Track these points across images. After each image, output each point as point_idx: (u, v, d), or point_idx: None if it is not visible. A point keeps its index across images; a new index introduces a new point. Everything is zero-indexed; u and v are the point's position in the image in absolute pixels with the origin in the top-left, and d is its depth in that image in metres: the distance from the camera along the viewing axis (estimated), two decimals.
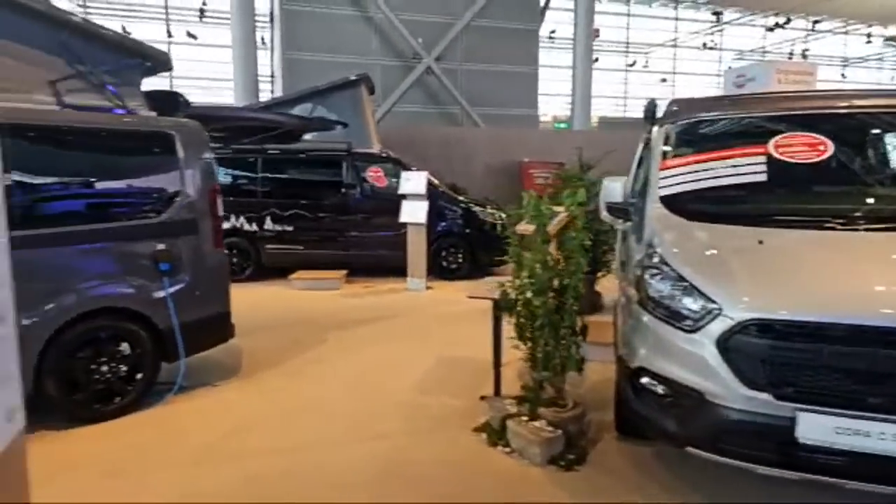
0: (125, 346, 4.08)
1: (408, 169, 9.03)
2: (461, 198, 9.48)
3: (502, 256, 9.19)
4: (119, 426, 3.91)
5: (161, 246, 4.16)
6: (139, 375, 4.12)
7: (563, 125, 27.27)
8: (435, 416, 4.09)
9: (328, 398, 4.43)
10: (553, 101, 25.70)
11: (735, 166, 3.50)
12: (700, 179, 3.53)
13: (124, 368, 4.06)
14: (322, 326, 6.43)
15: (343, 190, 9.14)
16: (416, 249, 8.39)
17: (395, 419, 4.03)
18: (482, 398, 4.21)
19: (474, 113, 15.47)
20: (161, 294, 4.16)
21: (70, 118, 3.86)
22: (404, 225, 8.53)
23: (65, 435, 3.75)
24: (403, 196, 8.58)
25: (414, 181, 8.49)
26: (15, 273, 3.86)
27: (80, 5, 19.15)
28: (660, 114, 4.43)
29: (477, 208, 9.33)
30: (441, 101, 15.57)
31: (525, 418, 3.48)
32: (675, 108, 4.12)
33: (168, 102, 4.48)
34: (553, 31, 24.00)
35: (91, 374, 3.92)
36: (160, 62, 4.41)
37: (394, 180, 9.10)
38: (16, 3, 3.77)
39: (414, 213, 8.38)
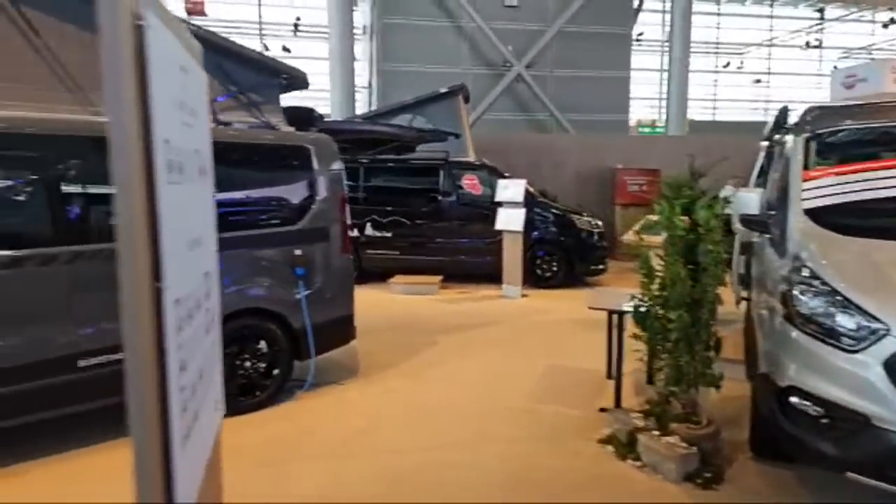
0: (263, 344, 4.40)
1: (503, 177, 9.13)
2: (557, 205, 9.46)
3: (598, 265, 9.17)
4: (259, 419, 4.21)
5: (298, 252, 4.45)
6: (275, 372, 4.42)
7: (647, 129, 26.46)
8: (552, 424, 4.13)
9: (446, 401, 4.57)
10: (636, 105, 25.02)
11: (889, 178, 3.33)
12: (849, 191, 3.38)
13: (263, 365, 4.37)
14: (428, 330, 6.62)
15: (439, 197, 9.36)
16: (512, 257, 8.45)
17: (514, 425, 4.10)
18: (602, 410, 4.20)
19: (564, 119, 15.36)
20: (296, 296, 4.45)
21: (227, 134, 4.22)
22: (498, 232, 8.62)
23: None
24: (499, 203, 8.69)
25: (512, 189, 8.57)
26: None
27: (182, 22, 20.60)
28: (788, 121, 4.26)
29: (573, 216, 9.28)
30: (530, 108, 15.57)
31: (657, 433, 3.45)
32: (812, 116, 3.95)
33: (303, 117, 4.80)
34: (641, 34, 23.39)
35: (236, 369, 4.25)
36: (298, 80, 4.74)
37: (488, 188, 9.26)
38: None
39: (510, 220, 8.45)
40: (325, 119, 5.65)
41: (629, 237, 6.11)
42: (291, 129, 4.67)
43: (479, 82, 13.40)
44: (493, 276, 8.83)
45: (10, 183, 3.65)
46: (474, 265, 9.30)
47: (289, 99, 4.96)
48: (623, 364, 4.28)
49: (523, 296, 8.36)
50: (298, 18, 23.61)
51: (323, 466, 3.54)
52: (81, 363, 3.55)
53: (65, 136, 3.52)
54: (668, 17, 23.10)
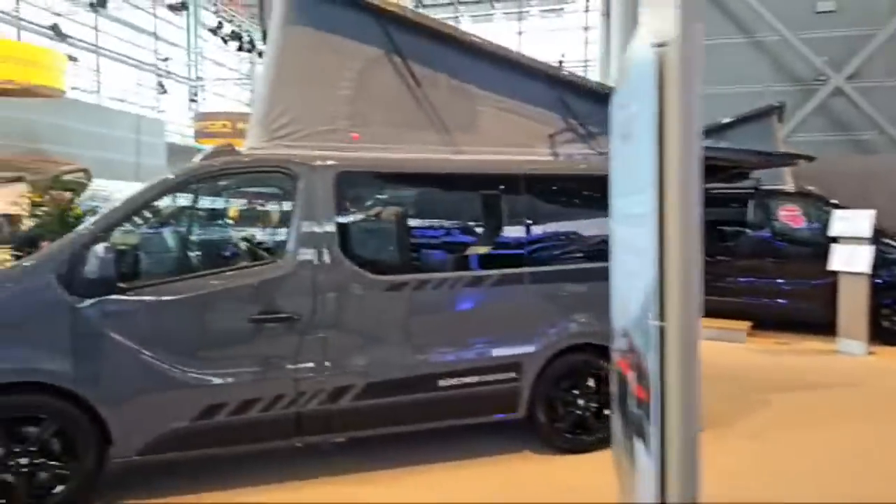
0: (591, 382, 4.20)
1: (833, 207, 7.66)
2: None
3: None
4: (590, 461, 3.99)
5: None
6: (606, 412, 4.17)
7: None
8: None
9: (829, 478, 3.81)
10: None
11: None
12: None
13: (594, 404, 4.17)
14: (749, 384, 5.72)
15: (747, 231, 8.26)
16: (853, 304, 6.92)
17: None
18: None
19: None
20: None
21: (572, 167, 4.24)
22: (826, 273, 7.18)
23: (548, 460, 4.01)
24: (833, 239, 7.26)
25: (852, 221, 7.09)
26: (525, 307, 4.16)
27: None
28: None
29: None
30: (850, 127, 13.07)
31: None
32: None
33: None
34: None
35: (568, 405, 4.13)
36: None
37: (812, 221, 7.87)
38: (528, 67, 4.33)
39: (851, 259, 6.97)
40: None
41: None
42: None
43: (782, 100, 11.67)
44: (816, 326, 7.38)
45: (404, 217, 4.13)
46: (792, 311, 7.90)
47: None
48: None
49: (870, 353, 6.76)
50: (563, 54, 24.24)
51: None
52: (441, 383, 3.78)
53: (446, 175, 3.89)
54: None
